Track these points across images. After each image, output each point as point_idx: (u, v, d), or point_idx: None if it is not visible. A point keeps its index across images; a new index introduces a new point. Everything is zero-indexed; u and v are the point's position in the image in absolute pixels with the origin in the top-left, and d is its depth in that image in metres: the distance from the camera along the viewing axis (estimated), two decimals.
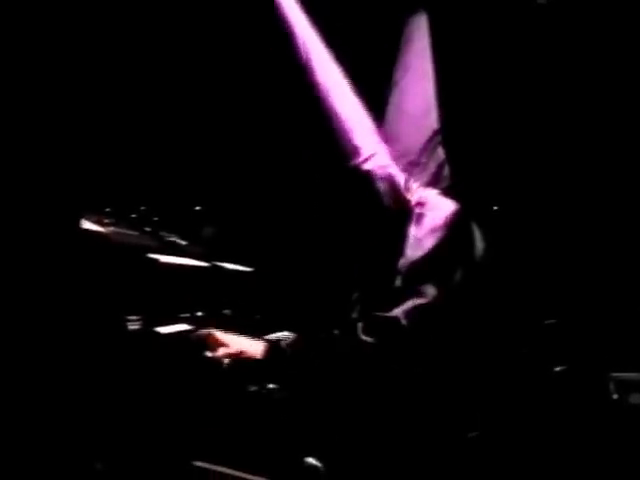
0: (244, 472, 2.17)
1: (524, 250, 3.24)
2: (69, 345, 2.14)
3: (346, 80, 2.37)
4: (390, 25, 2.60)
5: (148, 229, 2.66)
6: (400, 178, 2.26)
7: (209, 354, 2.24)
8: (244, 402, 2.25)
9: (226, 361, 2.23)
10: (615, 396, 3.00)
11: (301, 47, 2.35)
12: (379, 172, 2.24)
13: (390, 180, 2.23)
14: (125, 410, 2.17)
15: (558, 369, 3.06)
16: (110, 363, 2.16)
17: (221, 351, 2.23)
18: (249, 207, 3.45)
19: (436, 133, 2.42)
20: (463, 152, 2.34)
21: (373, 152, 2.27)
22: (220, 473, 2.18)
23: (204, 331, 2.29)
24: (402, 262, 2.14)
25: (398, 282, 2.13)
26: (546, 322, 3.22)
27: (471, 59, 3.23)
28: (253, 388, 2.27)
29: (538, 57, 3.35)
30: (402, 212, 2.20)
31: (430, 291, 2.09)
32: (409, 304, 2.09)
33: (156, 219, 2.77)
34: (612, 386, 3.01)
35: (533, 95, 3.37)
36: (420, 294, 2.09)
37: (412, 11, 2.56)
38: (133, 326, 2.19)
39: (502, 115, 3.32)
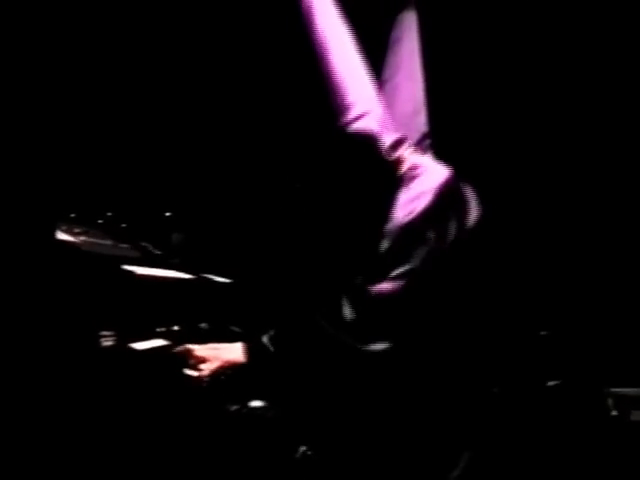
0: None
1: (518, 256, 3.21)
2: (42, 360, 2.04)
3: (350, 36, 2.27)
4: (376, 23, 2.52)
5: (117, 237, 2.58)
6: (389, 140, 2.15)
7: (191, 374, 2.13)
8: (226, 421, 2.17)
9: (208, 379, 2.11)
10: (614, 412, 2.96)
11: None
12: (365, 132, 2.14)
13: (374, 141, 2.13)
14: (102, 429, 2.06)
15: (554, 383, 3.02)
16: (84, 379, 2.04)
17: (203, 369, 2.11)
18: (219, 212, 3.40)
19: (425, 136, 2.36)
20: (452, 155, 2.25)
21: (366, 110, 2.18)
22: None
23: (180, 349, 2.18)
24: (389, 226, 2.05)
25: (385, 245, 2.04)
26: (541, 333, 3.20)
27: (461, 59, 3.24)
28: (235, 407, 2.19)
29: (528, 56, 3.35)
30: (385, 176, 2.12)
31: (420, 255, 2.01)
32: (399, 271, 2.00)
33: (124, 225, 2.71)
34: (611, 402, 2.97)
35: (523, 96, 3.37)
36: (409, 259, 2.01)
37: (401, 10, 2.50)
38: (107, 342, 2.07)
39: (493, 117, 3.33)
